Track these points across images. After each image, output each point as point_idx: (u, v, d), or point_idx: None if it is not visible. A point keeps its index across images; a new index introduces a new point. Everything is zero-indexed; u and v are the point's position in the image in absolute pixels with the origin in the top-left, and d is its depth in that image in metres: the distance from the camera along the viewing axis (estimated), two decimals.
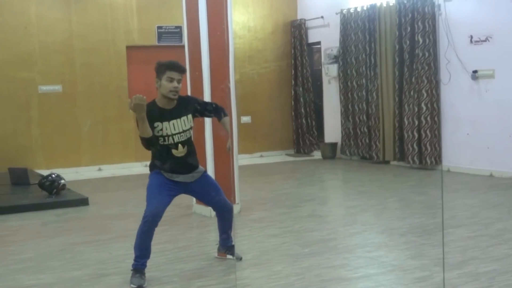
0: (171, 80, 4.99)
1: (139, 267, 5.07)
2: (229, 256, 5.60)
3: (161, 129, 5.02)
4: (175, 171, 5.16)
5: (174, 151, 5.10)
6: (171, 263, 5.51)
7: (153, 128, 4.96)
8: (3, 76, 11.43)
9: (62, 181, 8.75)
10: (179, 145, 5.11)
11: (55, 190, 8.62)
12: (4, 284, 5.20)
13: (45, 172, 9.81)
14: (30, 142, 11.63)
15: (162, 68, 5.02)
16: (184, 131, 5.12)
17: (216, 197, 5.40)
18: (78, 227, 7.33)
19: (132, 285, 4.95)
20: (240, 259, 5.57)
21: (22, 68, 11.54)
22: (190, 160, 5.23)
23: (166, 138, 5.05)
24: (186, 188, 5.29)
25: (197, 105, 5.31)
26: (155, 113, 5.00)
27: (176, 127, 5.07)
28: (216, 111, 5.46)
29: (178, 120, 5.08)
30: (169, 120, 5.04)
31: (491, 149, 9.69)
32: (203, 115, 5.43)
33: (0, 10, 11.42)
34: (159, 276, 5.21)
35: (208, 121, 7.42)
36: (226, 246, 5.61)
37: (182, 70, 5.09)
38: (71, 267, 5.61)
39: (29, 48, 11.61)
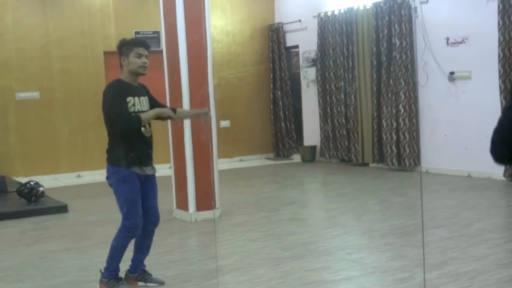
0: (139, 56, 4.90)
1: (117, 275, 5.02)
2: (141, 283, 5.11)
3: (133, 104, 4.83)
4: (142, 159, 4.87)
5: (143, 129, 4.86)
6: (153, 269, 5.47)
7: (126, 103, 4.79)
8: None
9: (41, 188, 8.68)
10: (146, 124, 4.89)
11: (33, 198, 8.55)
12: None
13: (23, 180, 9.73)
14: (7, 149, 11.52)
15: (129, 45, 4.92)
16: (147, 111, 4.91)
17: (154, 204, 5.06)
18: (57, 235, 7.28)
19: None
20: (163, 283, 5.16)
21: None
22: (151, 145, 5.00)
23: (138, 114, 4.85)
24: (142, 183, 4.94)
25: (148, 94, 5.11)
26: (126, 88, 4.87)
27: (142, 105, 4.91)
28: (163, 106, 5.21)
29: (143, 97, 4.95)
30: (138, 96, 4.91)
31: (469, 150, 9.77)
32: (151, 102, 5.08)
33: None
34: (140, 282, 5.18)
35: (187, 126, 7.42)
36: (140, 269, 5.15)
37: (148, 46, 5.01)
38: (51, 275, 5.57)
39: (6, 55, 11.50)
